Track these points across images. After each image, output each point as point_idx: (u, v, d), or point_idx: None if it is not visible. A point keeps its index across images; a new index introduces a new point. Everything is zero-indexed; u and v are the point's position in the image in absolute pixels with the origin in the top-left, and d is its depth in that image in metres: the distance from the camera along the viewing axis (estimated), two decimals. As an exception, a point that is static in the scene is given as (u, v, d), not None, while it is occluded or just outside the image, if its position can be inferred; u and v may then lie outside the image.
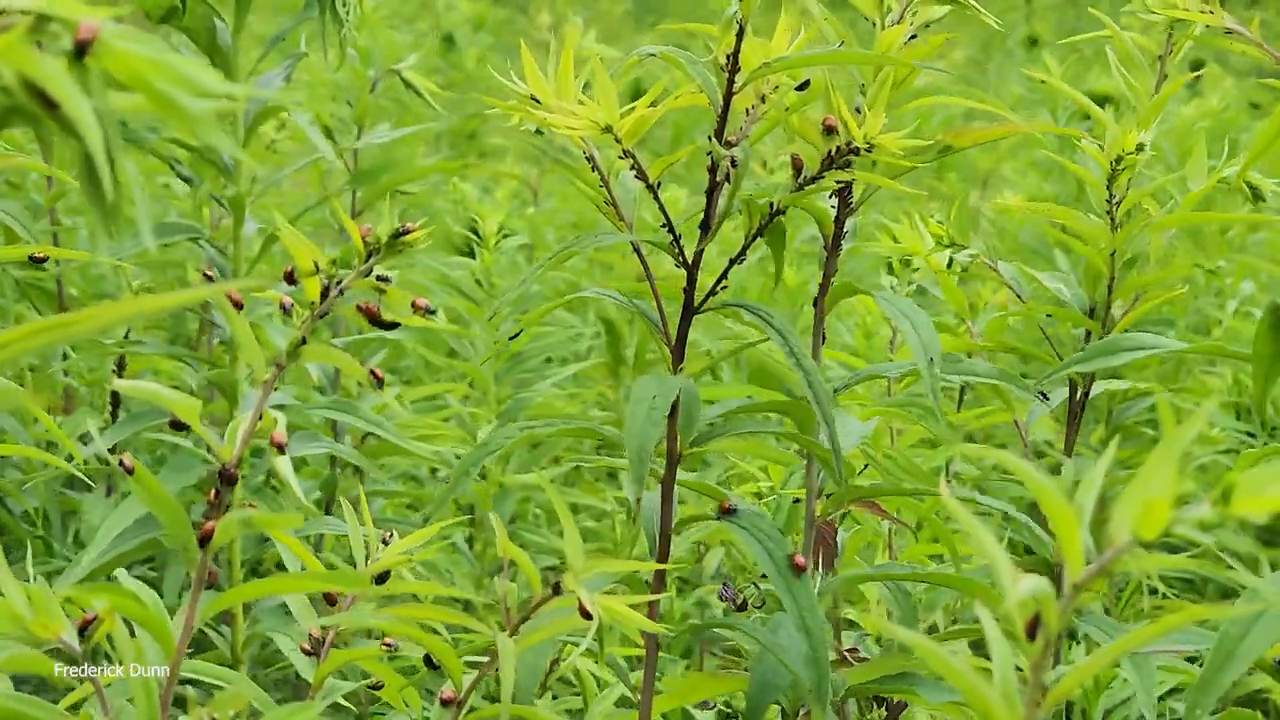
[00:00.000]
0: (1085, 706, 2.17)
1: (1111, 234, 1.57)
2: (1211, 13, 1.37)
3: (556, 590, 1.19)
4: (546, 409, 2.63)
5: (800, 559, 1.32)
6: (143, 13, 1.88)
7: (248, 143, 2.02)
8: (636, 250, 1.39)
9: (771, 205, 1.35)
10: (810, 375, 1.32)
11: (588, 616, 1.18)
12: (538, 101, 1.35)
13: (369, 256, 1.24)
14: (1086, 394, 1.67)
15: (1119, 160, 1.54)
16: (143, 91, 0.67)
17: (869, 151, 1.33)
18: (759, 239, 1.38)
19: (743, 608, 1.64)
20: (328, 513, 2.39)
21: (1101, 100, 3.79)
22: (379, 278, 1.24)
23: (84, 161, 0.67)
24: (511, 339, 1.44)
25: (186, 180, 2.06)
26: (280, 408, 2.58)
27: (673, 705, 1.52)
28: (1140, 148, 1.54)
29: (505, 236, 2.78)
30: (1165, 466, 0.70)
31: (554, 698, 2.05)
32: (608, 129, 1.30)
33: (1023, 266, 1.71)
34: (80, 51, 0.65)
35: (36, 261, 1.42)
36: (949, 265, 1.72)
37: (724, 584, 1.67)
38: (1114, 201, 1.58)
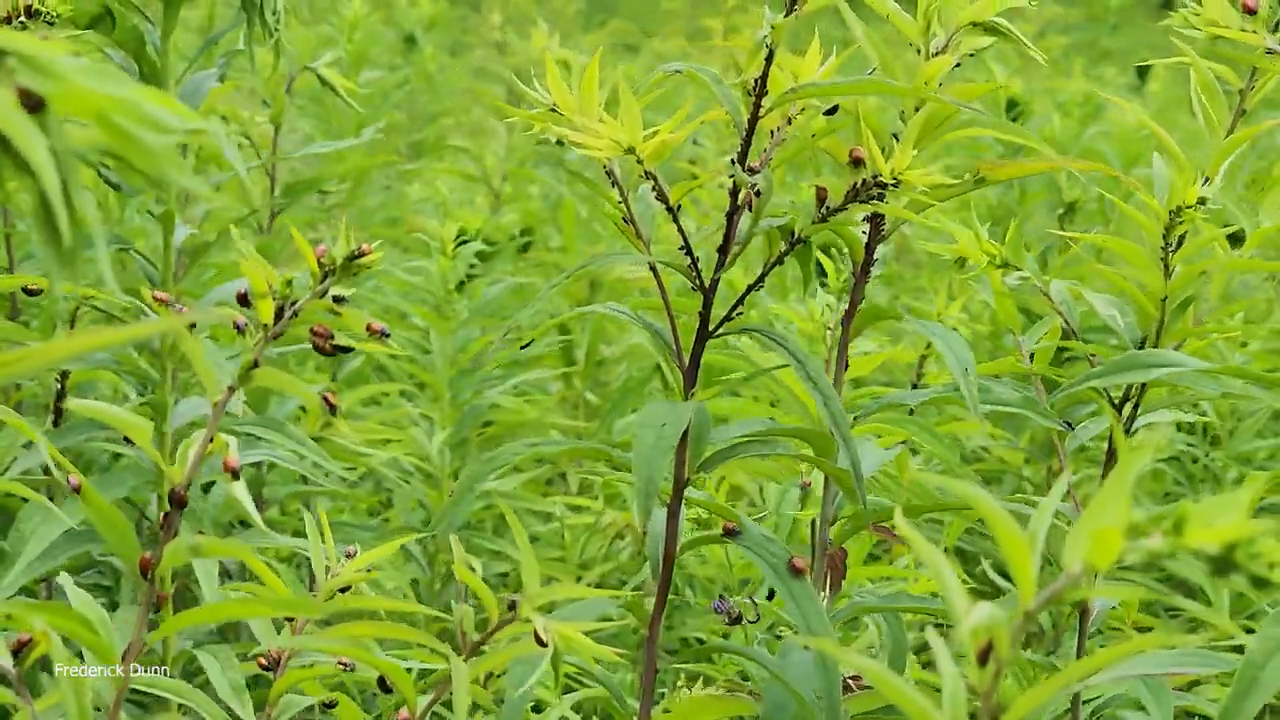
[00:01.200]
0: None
1: (1165, 280, 1.53)
2: (1254, 31, 1.35)
3: (512, 613, 1.19)
4: (519, 420, 2.62)
5: (799, 561, 1.32)
6: (71, 20, 1.85)
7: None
8: (654, 271, 1.37)
9: (793, 233, 1.35)
10: (829, 399, 1.31)
11: (543, 644, 1.18)
12: (558, 113, 1.33)
13: (324, 278, 1.22)
14: (1129, 426, 1.62)
15: (1178, 211, 1.51)
16: (101, 127, 0.66)
17: (895, 187, 1.32)
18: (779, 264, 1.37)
19: (737, 621, 1.64)
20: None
21: (1019, 105, 3.78)
22: (335, 299, 1.23)
23: (39, 202, 0.65)
24: (524, 347, 1.42)
25: (115, 187, 2.03)
26: (194, 424, 2.56)
27: None
28: (1202, 201, 1.50)
29: (463, 242, 2.76)
30: (1118, 496, 0.70)
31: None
32: (630, 150, 1.29)
33: (1075, 287, 1.66)
34: (34, 108, 0.63)
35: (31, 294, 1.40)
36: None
37: (720, 597, 1.66)
38: (1170, 249, 1.54)
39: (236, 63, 2.26)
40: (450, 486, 2.54)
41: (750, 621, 1.67)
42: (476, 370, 2.68)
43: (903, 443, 1.62)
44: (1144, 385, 1.57)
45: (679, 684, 1.65)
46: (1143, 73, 6.39)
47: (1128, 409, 1.61)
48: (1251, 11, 1.25)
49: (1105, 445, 1.66)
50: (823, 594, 1.60)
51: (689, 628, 2.42)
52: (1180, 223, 1.52)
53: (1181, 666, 1.36)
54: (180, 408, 1.94)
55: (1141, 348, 1.58)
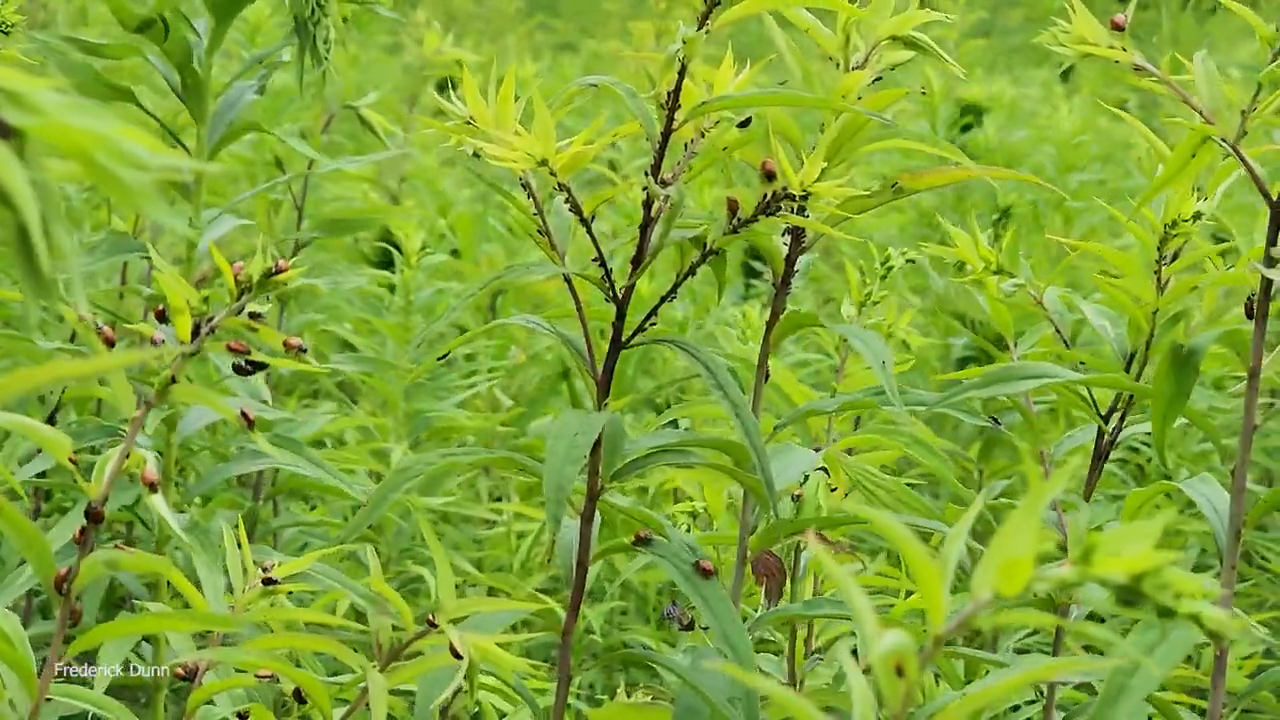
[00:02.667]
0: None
1: (1157, 294, 1.54)
2: (1123, 49, 1.36)
3: (429, 626, 1.21)
4: (454, 426, 2.63)
5: (707, 564, 1.33)
6: (118, 21, 1.88)
7: (213, 156, 2.01)
8: (568, 282, 1.39)
9: (704, 244, 1.37)
10: (739, 409, 1.32)
11: (458, 656, 1.19)
12: (474, 125, 1.35)
13: (241, 295, 1.24)
14: (1114, 439, 1.62)
15: (1173, 225, 1.52)
16: (80, 162, 0.66)
17: (804, 199, 1.34)
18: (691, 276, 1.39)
19: (689, 628, 1.65)
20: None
21: (976, 110, 3.81)
22: (251, 315, 1.24)
23: (17, 233, 0.66)
24: (441, 359, 1.44)
25: None
26: (210, 429, 2.57)
27: None
28: (1198, 216, 1.51)
29: (427, 254, 2.77)
30: (1027, 525, 0.72)
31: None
32: (543, 163, 1.31)
33: (1069, 297, 1.67)
34: (6, 134, 0.64)
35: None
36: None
37: (672, 603, 1.68)
38: (1164, 262, 1.55)
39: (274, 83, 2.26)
40: (400, 499, 2.55)
41: (704, 629, 1.69)
42: (430, 382, 2.70)
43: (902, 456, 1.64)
44: (1130, 397, 1.57)
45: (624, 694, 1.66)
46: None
47: (1114, 419, 1.61)
48: (1119, 29, 1.27)
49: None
50: (766, 603, 1.62)
51: (639, 633, 2.44)
52: (1175, 236, 1.53)
53: (1071, 674, 1.38)
54: (190, 415, 1.95)
55: (1131, 360, 1.59)
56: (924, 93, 3.66)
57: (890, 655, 0.77)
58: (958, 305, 2.98)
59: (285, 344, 1.23)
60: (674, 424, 1.76)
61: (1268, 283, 1.29)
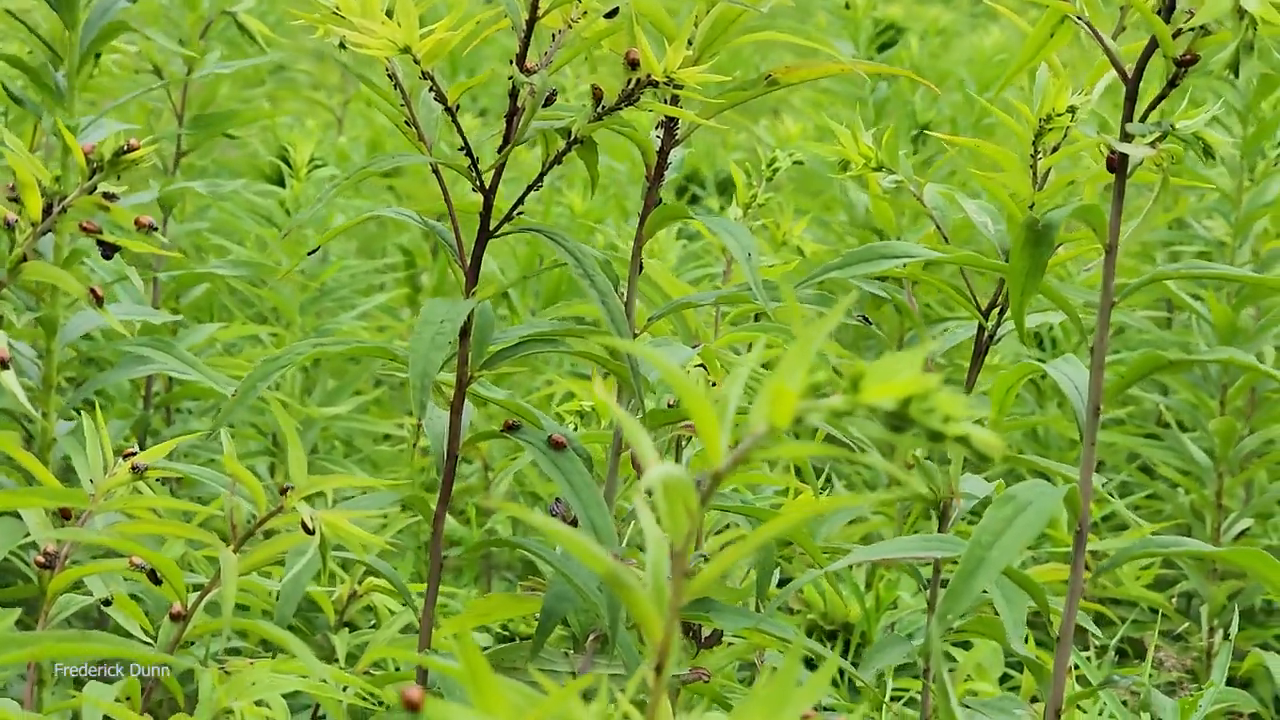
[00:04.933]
0: (865, 628, 2.23)
1: (1034, 188, 1.54)
2: None
3: (280, 507, 1.20)
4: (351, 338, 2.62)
5: (558, 437, 1.35)
6: None
7: (82, 67, 1.97)
8: (436, 172, 1.38)
9: (570, 133, 1.36)
10: (605, 295, 1.33)
11: (310, 532, 1.20)
12: (342, 16, 1.33)
13: (93, 174, 1.23)
14: (993, 335, 1.64)
15: (1048, 119, 1.52)
16: None
17: (669, 85, 1.34)
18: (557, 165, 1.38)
19: (574, 524, 1.65)
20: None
21: (895, 29, 3.81)
22: (105, 195, 1.23)
23: None
24: (311, 253, 1.43)
25: (18, 101, 2.00)
26: (88, 337, 2.55)
27: (465, 626, 1.51)
28: (1073, 109, 1.51)
29: (317, 166, 2.75)
30: (799, 360, 0.73)
31: (351, 629, 2.07)
32: (406, 49, 1.29)
33: (949, 193, 1.67)
34: None
35: None
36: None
37: (555, 500, 1.68)
38: (1038, 157, 1.55)
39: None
40: (301, 410, 2.54)
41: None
42: (326, 295, 2.68)
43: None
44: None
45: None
46: None
47: (994, 315, 1.63)
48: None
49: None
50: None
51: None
52: (1050, 129, 1.53)
53: (926, 552, 1.40)
54: (73, 322, 1.92)
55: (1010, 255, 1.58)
56: (847, 7, 3.65)
57: (668, 487, 0.76)
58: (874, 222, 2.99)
59: (136, 222, 1.22)
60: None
61: (1123, 158, 1.30)
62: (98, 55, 2.12)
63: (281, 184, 2.78)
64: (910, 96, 3.30)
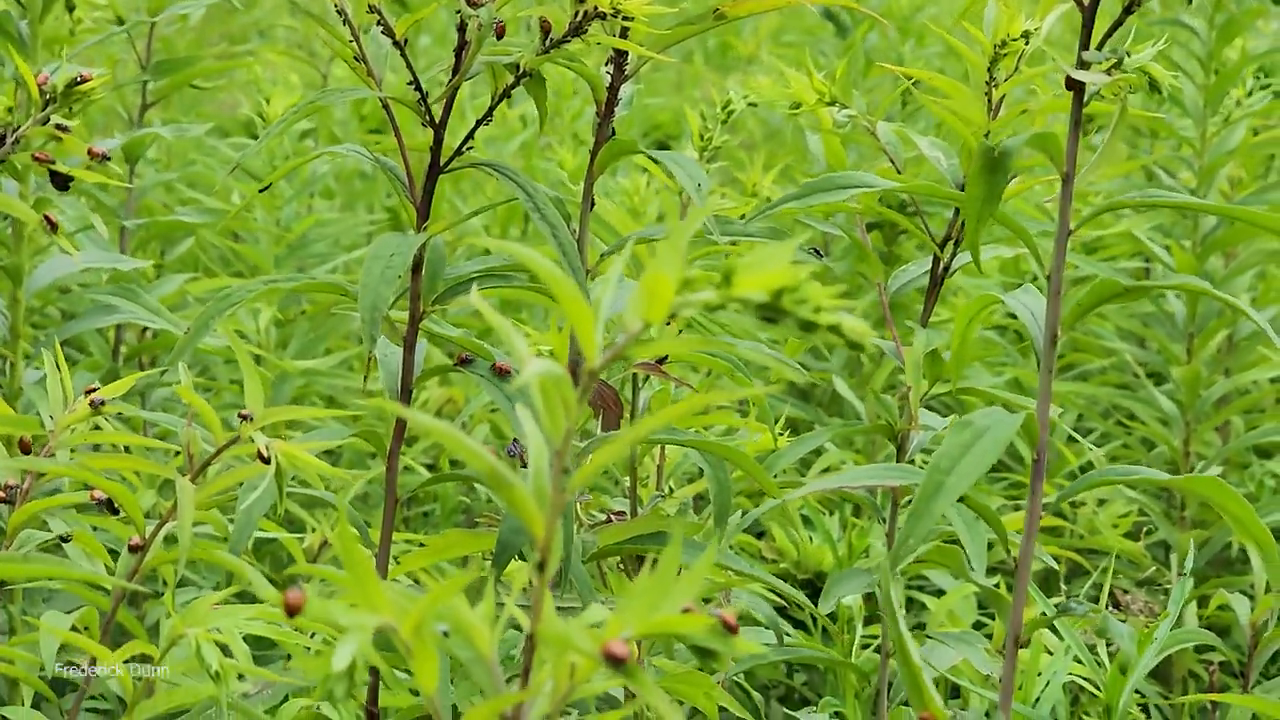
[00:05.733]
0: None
1: (988, 117, 1.55)
2: None
3: (236, 436, 1.21)
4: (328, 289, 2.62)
5: (503, 364, 1.36)
6: None
7: (45, 15, 1.97)
8: (385, 107, 1.38)
9: (518, 67, 1.37)
10: (556, 229, 1.34)
11: (266, 461, 1.20)
12: None
13: (45, 105, 1.23)
14: (948, 267, 1.65)
15: (1003, 45, 1.53)
16: None
17: (615, 17, 1.34)
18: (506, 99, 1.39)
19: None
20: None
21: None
22: (58, 126, 1.24)
23: None
24: (262, 190, 1.43)
25: None
26: (65, 291, 2.56)
27: (424, 562, 1.51)
28: (1026, 36, 1.52)
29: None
30: (671, 257, 0.73)
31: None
32: None
33: (902, 129, 1.68)
34: None
35: None
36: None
37: (514, 440, 1.69)
38: (993, 84, 1.55)
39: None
40: (277, 364, 2.55)
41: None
42: (304, 250, 2.68)
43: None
44: (964, 224, 1.58)
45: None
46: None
47: (950, 247, 1.64)
48: None
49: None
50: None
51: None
52: (1005, 55, 1.53)
53: (882, 480, 1.41)
54: (40, 270, 1.92)
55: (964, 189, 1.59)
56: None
57: (544, 383, 0.76)
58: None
59: (89, 151, 1.22)
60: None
61: (1080, 86, 1.31)
62: (72, 8, 2.12)
63: (255, 137, 2.78)
64: (901, 49, 3.30)
